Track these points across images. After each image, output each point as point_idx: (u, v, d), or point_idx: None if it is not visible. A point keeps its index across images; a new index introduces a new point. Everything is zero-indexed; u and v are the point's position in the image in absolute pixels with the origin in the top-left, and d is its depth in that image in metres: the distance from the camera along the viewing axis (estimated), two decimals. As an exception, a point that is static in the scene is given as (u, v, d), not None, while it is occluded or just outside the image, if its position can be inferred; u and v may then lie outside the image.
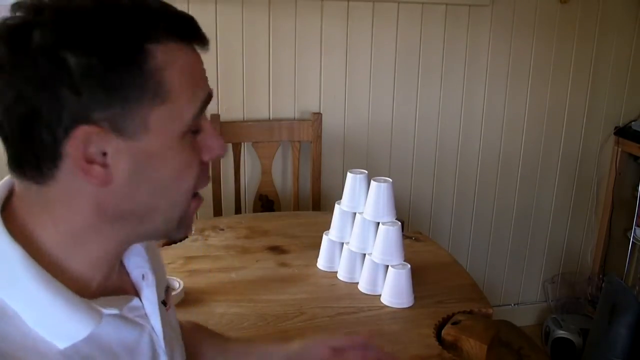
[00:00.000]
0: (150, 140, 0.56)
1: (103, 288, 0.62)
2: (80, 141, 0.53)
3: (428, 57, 2.25)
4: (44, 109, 0.52)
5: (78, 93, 0.52)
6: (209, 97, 0.62)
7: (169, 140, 0.58)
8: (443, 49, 2.25)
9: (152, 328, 0.67)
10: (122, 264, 0.68)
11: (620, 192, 2.54)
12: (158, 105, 0.56)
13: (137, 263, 0.69)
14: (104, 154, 0.55)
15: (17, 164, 0.56)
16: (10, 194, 0.60)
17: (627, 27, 2.41)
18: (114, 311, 0.60)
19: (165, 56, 0.56)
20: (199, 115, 0.61)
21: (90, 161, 0.55)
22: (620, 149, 2.48)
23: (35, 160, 0.55)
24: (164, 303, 0.72)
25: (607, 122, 2.51)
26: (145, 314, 0.66)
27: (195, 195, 0.65)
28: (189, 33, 0.60)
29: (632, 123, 2.46)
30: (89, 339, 0.57)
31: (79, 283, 0.59)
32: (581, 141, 2.52)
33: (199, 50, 0.61)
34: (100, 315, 0.58)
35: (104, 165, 0.55)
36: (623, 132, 2.46)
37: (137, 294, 0.67)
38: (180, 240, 1.55)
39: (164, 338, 0.68)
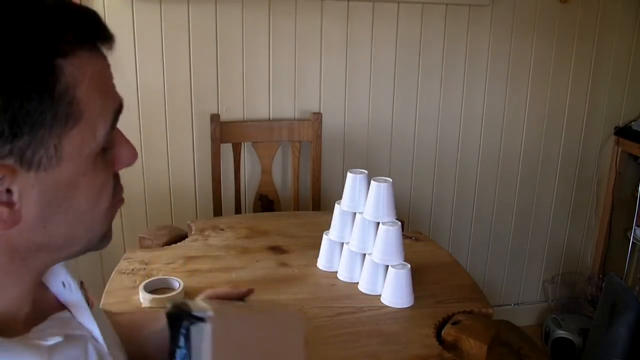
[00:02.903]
0: (63, 170, 0.50)
1: (32, 316, 0.57)
2: None
3: (428, 57, 2.25)
4: None
5: None
6: (120, 107, 0.55)
7: (83, 166, 0.51)
8: (443, 49, 2.25)
9: (92, 334, 0.61)
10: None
11: (620, 192, 2.54)
12: (71, 129, 0.49)
13: (53, 272, 0.62)
14: (9, 191, 0.48)
15: None
16: None
17: (627, 27, 2.41)
18: (58, 339, 0.54)
19: (76, 70, 0.49)
20: (112, 130, 0.54)
21: None
22: (620, 149, 2.48)
23: None
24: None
25: (607, 122, 2.51)
26: (80, 323, 0.61)
27: (115, 201, 0.58)
28: (96, 34, 0.52)
29: (632, 123, 2.46)
30: None
31: (6, 323, 0.54)
32: (581, 141, 2.52)
33: (104, 51, 0.53)
34: (45, 349, 0.52)
35: (10, 205, 0.48)
36: (623, 132, 2.46)
37: (62, 305, 0.62)
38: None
39: (105, 341, 0.62)
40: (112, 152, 0.56)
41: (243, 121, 2.13)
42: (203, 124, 2.08)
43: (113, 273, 1.39)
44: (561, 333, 2.43)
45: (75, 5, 0.51)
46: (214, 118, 2.04)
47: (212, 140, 2.05)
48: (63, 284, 0.63)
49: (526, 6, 2.27)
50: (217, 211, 2.09)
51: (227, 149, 2.11)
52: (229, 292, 0.89)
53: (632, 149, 2.42)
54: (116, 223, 2.11)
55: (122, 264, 1.43)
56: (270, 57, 2.10)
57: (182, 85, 2.05)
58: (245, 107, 2.13)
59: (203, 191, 2.16)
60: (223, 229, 1.67)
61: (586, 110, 2.48)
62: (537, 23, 2.31)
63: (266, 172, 2.16)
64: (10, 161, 0.47)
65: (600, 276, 2.59)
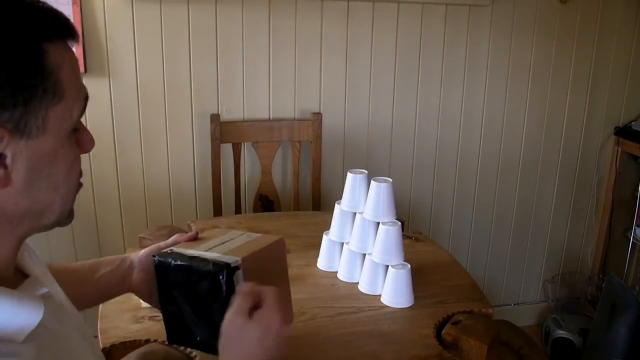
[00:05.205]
0: (46, 139, 0.58)
1: (13, 280, 0.64)
2: None
3: (428, 57, 2.25)
4: None
5: None
6: (87, 96, 0.65)
7: (61, 139, 0.60)
8: (443, 49, 2.25)
9: (57, 295, 0.71)
10: None
11: (620, 192, 2.54)
12: (55, 104, 0.58)
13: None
14: (2, 155, 0.56)
15: None
16: None
17: (627, 27, 2.41)
18: (45, 289, 0.64)
19: (58, 55, 0.58)
20: (83, 112, 0.64)
21: None
22: (620, 149, 2.48)
23: None
24: None
25: (607, 122, 2.51)
26: (48, 290, 0.68)
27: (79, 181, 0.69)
28: (69, 32, 0.62)
29: (632, 123, 2.46)
30: (40, 327, 0.59)
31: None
32: (581, 141, 2.52)
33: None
34: (40, 298, 0.61)
35: (4, 167, 0.57)
36: (623, 132, 2.46)
37: (27, 273, 0.69)
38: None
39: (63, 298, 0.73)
40: (78, 134, 0.65)
41: (243, 121, 2.13)
42: (203, 124, 2.08)
43: (113, 273, 1.38)
44: (561, 333, 2.43)
45: (48, 5, 0.61)
46: (214, 118, 2.04)
47: (212, 140, 2.05)
48: (26, 257, 0.71)
49: (526, 6, 2.27)
50: (217, 211, 2.09)
51: (227, 149, 2.11)
52: (177, 240, 0.95)
53: (632, 149, 2.42)
54: (116, 223, 2.11)
55: (122, 264, 1.43)
56: (270, 57, 2.10)
57: (182, 85, 2.05)
58: (245, 107, 2.13)
59: (203, 191, 2.16)
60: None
61: (586, 110, 2.48)
62: (537, 23, 2.31)
63: (266, 172, 2.16)
64: (8, 126, 0.55)
65: (600, 276, 2.59)
